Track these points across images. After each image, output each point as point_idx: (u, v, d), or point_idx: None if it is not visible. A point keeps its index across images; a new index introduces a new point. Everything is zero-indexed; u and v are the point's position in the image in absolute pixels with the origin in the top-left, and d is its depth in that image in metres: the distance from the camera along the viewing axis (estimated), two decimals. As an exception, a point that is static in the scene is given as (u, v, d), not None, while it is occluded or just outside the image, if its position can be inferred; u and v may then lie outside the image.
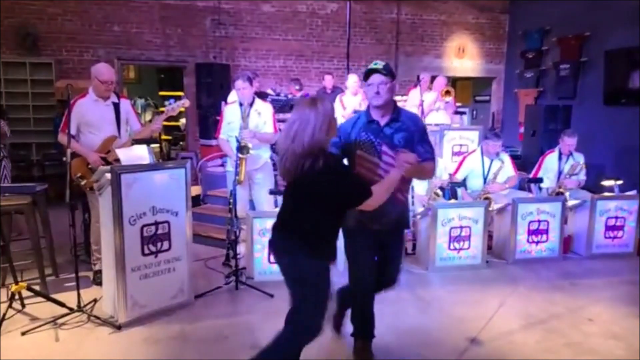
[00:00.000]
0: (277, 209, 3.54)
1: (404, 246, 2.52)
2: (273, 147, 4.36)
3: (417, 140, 2.20)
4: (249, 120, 3.62)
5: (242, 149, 3.52)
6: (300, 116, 1.81)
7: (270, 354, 1.90)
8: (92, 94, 3.27)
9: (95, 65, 3.30)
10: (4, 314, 2.70)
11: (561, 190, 4.46)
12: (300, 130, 1.78)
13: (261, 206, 3.83)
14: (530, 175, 4.80)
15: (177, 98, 3.53)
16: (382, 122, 2.18)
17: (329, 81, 6.65)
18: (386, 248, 2.33)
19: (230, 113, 3.77)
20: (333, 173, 1.83)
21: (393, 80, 2.17)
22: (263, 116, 3.74)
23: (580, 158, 4.61)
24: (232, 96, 5.54)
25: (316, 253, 1.87)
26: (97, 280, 3.25)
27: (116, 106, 3.34)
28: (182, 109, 5.79)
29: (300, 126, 1.79)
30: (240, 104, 3.66)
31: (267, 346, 1.92)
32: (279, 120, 4.41)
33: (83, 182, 3.22)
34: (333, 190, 1.83)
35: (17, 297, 2.84)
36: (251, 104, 3.67)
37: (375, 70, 2.13)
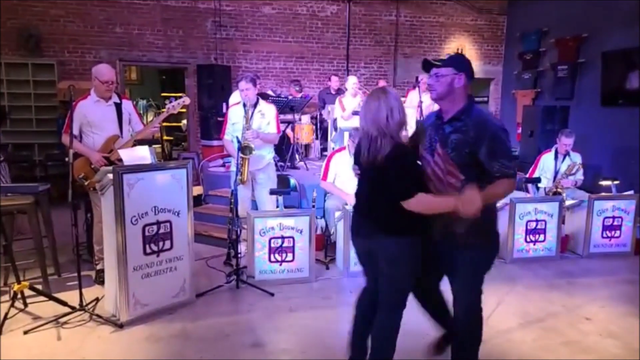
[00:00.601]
0: (279, 209, 3.61)
1: (469, 275, 2.00)
2: (276, 148, 4.39)
3: (485, 152, 1.82)
4: (252, 121, 3.65)
5: (244, 149, 3.54)
6: (382, 103, 1.91)
7: (384, 332, 2.05)
8: (94, 94, 3.30)
9: (95, 66, 3.34)
10: (7, 313, 2.72)
11: (558, 189, 4.50)
12: (389, 115, 1.89)
13: (263, 206, 3.86)
14: (527, 175, 4.84)
15: (179, 99, 3.57)
16: (445, 118, 1.97)
17: (335, 82, 6.67)
18: (444, 268, 2.07)
19: (234, 114, 3.80)
20: (400, 162, 1.90)
21: (458, 72, 1.90)
22: (267, 117, 3.77)
23: (577, 158, 4.64)
24: (234, 97, 5.58)
25: (402, 231, 1.94)
26: (99, 280, 3.28)
27: (118, 106, 3.37)
28: (184, 109, 5.83)
29: (388, 111, 1.90)
30: (244, 105, 3.69)
31: (376, 332, 2.07)
32: (281, 121, 4.43)
33: (86, 182, 3.25)
34: (392, 177, 1.91)
35: (19, 296, 2.87)
36: (255, 105, 3.70)
37: (429, 63, 1.98)
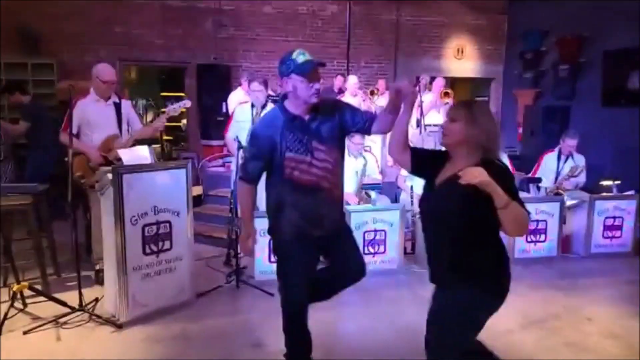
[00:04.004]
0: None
1: (354, 239, 2.21)
2: None
3: (349, 114, 2.06)
4: None
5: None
6: None
7: None
8: (94, 94, 3.31)
9: (96, 65, 3.33)
10: (6, 314, 2.71)
11: (559, 190, 4.49)
12: None
13: None
14: (529, 175, 4.82)
15: (178, 99, 3.58)
16: (306, 118, 2.09)
17: (339, 81, 6.53)
18: (333, 252, 2.13)
19: (241, 112, 3.77)
20: None
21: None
22: None
23: (581, 160, 4.61)
24: (234, 96, 5.57)
25: None
26: (99, 280, 3.27)
27: (117, 106, 3.37)
28: (184, 109, 5.82)
29: None
30: (252, 106, 3.66)
31: None
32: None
33: (83, 181, 3.25)
34: None
35: (18, 296, 2.86)
36: (263, 107, 3.67)
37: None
